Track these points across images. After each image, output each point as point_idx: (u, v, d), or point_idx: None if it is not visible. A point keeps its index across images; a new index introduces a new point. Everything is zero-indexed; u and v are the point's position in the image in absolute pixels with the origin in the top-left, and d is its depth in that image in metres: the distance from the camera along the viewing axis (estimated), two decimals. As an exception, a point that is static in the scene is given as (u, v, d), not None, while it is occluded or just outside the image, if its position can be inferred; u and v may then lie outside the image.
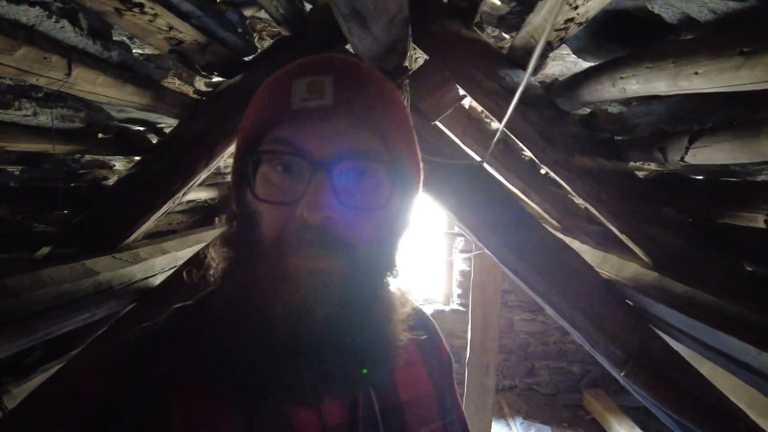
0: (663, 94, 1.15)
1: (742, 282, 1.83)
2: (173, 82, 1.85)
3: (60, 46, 1.16)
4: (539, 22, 1.39)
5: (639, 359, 1.82)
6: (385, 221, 0.59)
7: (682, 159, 1.35)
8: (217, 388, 0.56)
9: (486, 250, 1.87)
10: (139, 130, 1.94)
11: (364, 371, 0.58)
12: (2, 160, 1.50)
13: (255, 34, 1.85)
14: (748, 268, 1.84)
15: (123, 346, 0.59)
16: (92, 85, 1.28)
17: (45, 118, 1.30)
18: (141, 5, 1.16)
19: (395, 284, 0.63)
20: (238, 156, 0.63)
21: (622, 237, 1.96)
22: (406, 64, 1.94)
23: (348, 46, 1.85)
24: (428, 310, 4.83)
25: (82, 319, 1.65)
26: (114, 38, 1.39)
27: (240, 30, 1.68)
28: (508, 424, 5.21)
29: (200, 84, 1.88)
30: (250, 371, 0.54)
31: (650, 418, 5.36)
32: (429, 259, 5.18)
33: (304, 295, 0.53)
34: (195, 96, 1.91)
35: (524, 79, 1.43)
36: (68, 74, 1.17)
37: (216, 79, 1.94)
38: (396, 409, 0.66)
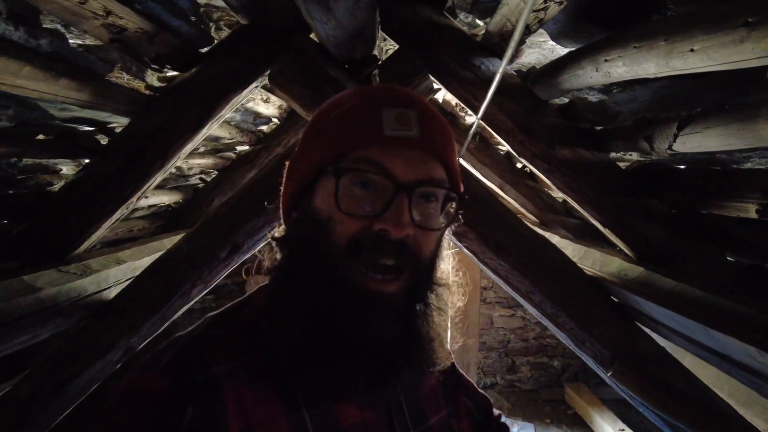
0: (652, 76, 1.06)
1: (730, 274, 1.77)
2: (122, 77, 1.69)
3: (-26, 33, 1.01)
4: (516, 2, 1.29)
5: (626, 358, 1.75)
6: (439, 240, 0.70)
7: (669, 147, 1.26)
8: (271, 388, 0.62)
9: (464, 250, 1.77)
10: (87, 131, 1.77)
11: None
12: None
13: (211, 24, 1.71)
14: (732, 259, 1.79)
15: (171, 350, 0.62)
16: (15, 77, 1.12)
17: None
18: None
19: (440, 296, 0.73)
20: (314, 164, 0.67)
21: (605, 231, 1.89)
22: (375, 53, 1.82)
23: (312, 35, 1.72)
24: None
25: (22, 341, 1.48)
26: (45, 26, 1.24)
27: (193, 18, 1.54)
28: (490, 423, 5.15)
29: (152, 79, 1.72)
30: (312, 373, 0.61)
31: (631, 410, 5.37)
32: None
33: (372, 315, 0.61)
34: (147, 92, 1.75)
35: (501, 66, 1.33)
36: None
37: (170, 73, 1.79)
38: (415, 400, 0.76)
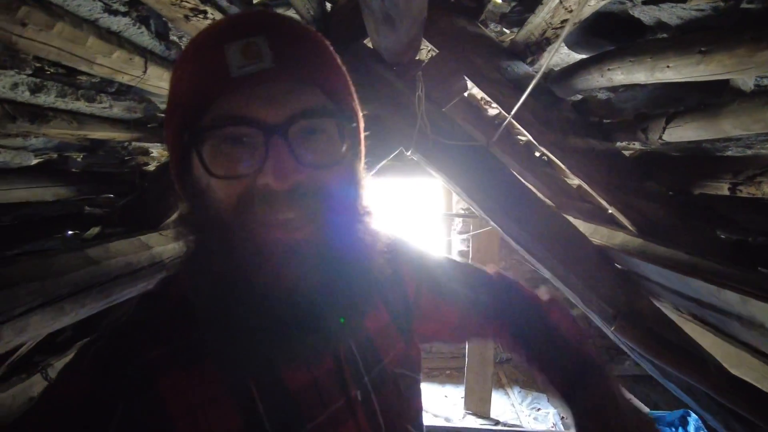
0: (642, 82, 1.39)
1: (719, 247, 2.09)
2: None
3: (138, 48, 1.37)
4: (538, 22, 1.62)
5: (626, 315, 2.08)
6: (345, 174, 0.60)
7: (660, 137, 1.59)
8: (207, 367, 0.56)
9: (491, 222, 2.11)
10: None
11: (342, 320, 0.59)
12: (71, 147, 1.70)
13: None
14: (721, 235, 2.10)
15: (97, 343, 0.58)
16: (160, 80, 1.49)
17: (117, 110, 1.51)
18: (204, 12, 1.38)
19: (367, 227, 0.63)
20: (175, 132, 0.58)
21: (611, 209, 2.21)
22: (418, 57, 2.16)
23: (366, 41, 2.06)
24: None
25: (142, 287, 1.87)
26: (170, 38, 1.60)
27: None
28: (506, 393, 5.53)
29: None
30: (243, 345, 0.54)
31: (637, 383, 5.70)
32: (428, 240, 5.44)
33: (285, 269, 0.54)
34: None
35: (538, 74, 1.67)
36: (145, 71, 1.39)
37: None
38: (367, 342, 0.71)
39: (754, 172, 1.47)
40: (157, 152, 2.41)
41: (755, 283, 1.31)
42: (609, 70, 1.50)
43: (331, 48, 0.63)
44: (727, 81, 1.36)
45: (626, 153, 2.14)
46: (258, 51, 0.53)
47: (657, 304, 2.14)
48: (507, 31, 2.13)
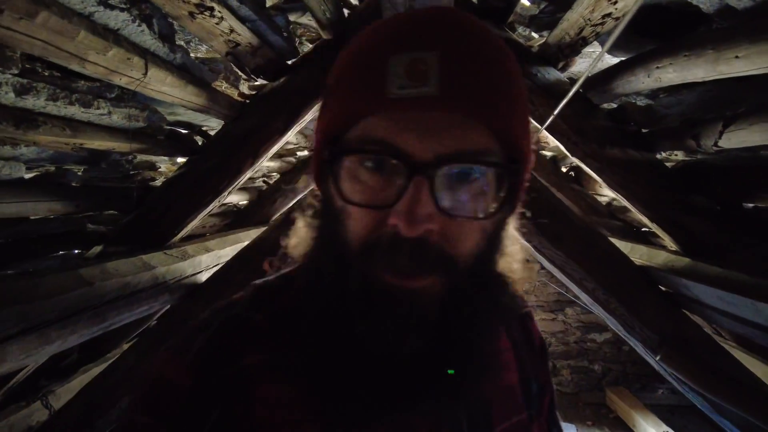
0: (700, 80, 1.23)
1: (771, 265, 1.88)
2: (220, 85, 1.94)
3: (138, 49, 1.26)
4: (575, 19, 1.47)
5: (673, 342, 1.88)
6: (490, 230, 0.51)
7: (715, 144, 1.41)
8: (299, 386, 0.52)
9: (522, 241, 1.94)
10: (186, 133, 2.03)
11: (451, 372, 0.51)
12: (69, 159, 1.59)
13: (295, 39, 1.95)
14: (777, 252, 1.90)
15: (204, 333, 0.55)
16: (162, 85, 1.37)
17: (117, 117, 1.39)
18: (211, 9, 1.26)
19: (502, 290, 0.57)
20: (320, 142, 0.54)
21: (653, 226, 2.02)
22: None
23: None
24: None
25: (141, 311, 1.73)
26: (178, 43, 1.49)
27: (286, 34, 1.78)
28: None
29: (245, 87, 1.97)
30: (336, 382, 0.50)
31: (674, 415, 5.36)
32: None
33: (399, 318, 0.47)
34: (239, 98, 2.00)
35: (582, 77, 1.51)
36: (145, 74, 1.27)
37: (258, 82, 2.04)
38: (479, 406, 0.61)
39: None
40: (165, 167, 2.29)
41: None
42: (658, 68, 1.34)
43: (519, 72, 0.52)
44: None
45: (668, 164, 1.96)
46: (424, 73, 0.44)
47: (708, 331, 1.94)
48: (535, 36, 1.99)
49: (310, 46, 2.04)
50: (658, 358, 1.91)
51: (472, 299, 0.51)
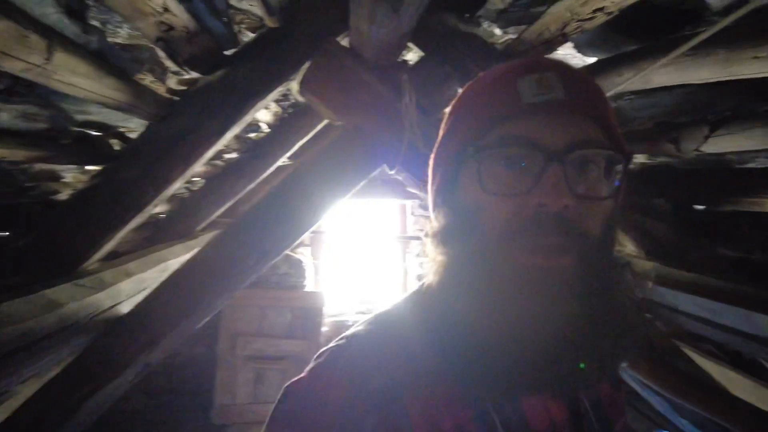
0: (702, 81, 1.16)
1: (722, 265, 1.93)
2: (144, 78, 1.61)
3: (38, 25, 0.94)
4: (560, 12, 1.36)
5: (640, 349, 1.86)
6: (609, 210, 0.59)
7: (697, 148, 1.38)
8: (452, 391, 0.57)
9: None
10: (99, 135, 1.67)
11: (582, 366, 0.57)
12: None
13: (234, 26, 1.67)
14: (728, 253, 1.95)
15: (347, 350, 0.60)
16: (71, 75, 1.05)
17: (8, 116, 1.05)
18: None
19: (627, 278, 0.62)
20: (451, 154, 0.63)
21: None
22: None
23: (343, 39, 1.72)
24: (386, 317, 4.73)
25: (48, 361, 1.37)
26: (91, 22, 1.17)
27: (225, 19, 1.50)
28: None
29: (172, 81, 1.66)
30: (484, 365, 0.55)
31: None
32: (380, 264, 5.09)
33: (541, 295, 0.53)
34: (168, 95, 1.68)
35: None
36: (48, 59, 0.95)
37: (188, 76, 1.74)
38: (598, 406, 0.68)
39: (808, 187, 1.28)
40: (72, 177, 1.89)
41: None
42: (650, 68, 1.26)
43: (601, 88, 0.64)
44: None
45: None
46: (551, 83, 0.56)
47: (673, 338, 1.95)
48: (498, 32, 1.88)
49: (252, 35, 1.78)
50: (625, 365, 1.88)
51: (604, 272, 0.57)
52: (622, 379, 0.79)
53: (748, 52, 1.01)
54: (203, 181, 2.93)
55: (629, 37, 1.47)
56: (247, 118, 1.76)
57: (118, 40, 1.40)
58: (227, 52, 1.67)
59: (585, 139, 0.55)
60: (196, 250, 2.28)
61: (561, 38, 1.49)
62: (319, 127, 3.15)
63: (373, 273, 5.19)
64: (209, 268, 1.68)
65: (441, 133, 0.69)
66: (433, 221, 0.69)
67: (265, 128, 2.93)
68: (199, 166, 1.79)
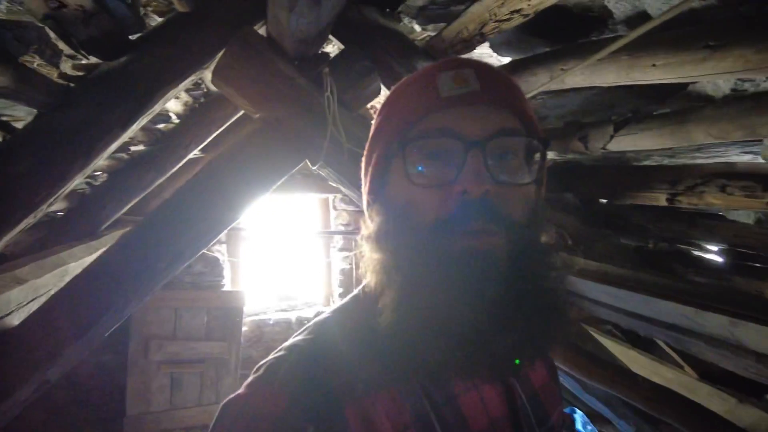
0: (611, 84, 1.24)
1: (624, 254, 2.10)
2: (32, 61, 1.44)
3: None
4: (480, 12, 1.39)
5: (569, 332, 1.98)
6: (532, 196, 0.62)
7: (604, 146, 1.47)
8: (391, 395, 0.58)
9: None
10: (-24, 125, 1.47)
11: (516, 362, 0.60)
12: None
13: (141, 10, 1.54)
14: (629, 243, 2.13)
15: (286, 362, 0.60)
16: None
17: None
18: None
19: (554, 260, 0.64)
20: (384, 145, 0.65)
21: (527, 223, 2.11)
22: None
23: (260, 27, 1.65)
24: (309, 312, 4.66)
25: None
26: (-37, -5, 1.01)
27: (129, 1, 1.38)
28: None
29: (67, 66, 1.50)
30: (426, 362, 0.56)
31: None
32: (302, 260, 5.00)
33: (474, 276, 0.55)
34: (61, 81, 1.51)
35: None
36: None
37: (86, 61, 1.58)
38: (534, 397, 0.70)
39: (694, 182, 1.42)
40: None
41: (694, 293, 1.23)
42: (563, 70, 1.33)
43: (516, 82, 0.67)
44: (685, 85, 1.27)
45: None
46: (466, 78, 0.60)
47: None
48: (418, 29, 1.89)
49: (158, 18, 1.65)
50: (540, 350, 1.99)
51: (532, 253, 0.60)
52: (555, 366, 0.82)
53: (647, 59, 1.08)
54: (106, 175, 2.70)
55: (542, 39, 1.53)
56: (155, 109, 1.64)
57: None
58: (132, 37, 1.54)
59: (502, 128, 0.58)
60: (99, 251, 2.10)
61: (479, 38, 1.52)
62: (235, 118, 3.02)
63: (295, 269, 5.09)
64: (117, 271, 1.55)
65: (370, 134, 0.70)
66: (368, 222, 0.69)
67: (174, 119, 2.76)
68: (101, 161, 1.63)
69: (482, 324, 0.55)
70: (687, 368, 2.36)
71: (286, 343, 0.63)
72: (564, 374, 2.15)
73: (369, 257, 0.65)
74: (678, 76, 1.06)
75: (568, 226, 2.01)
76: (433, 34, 1.80)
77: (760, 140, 1.20)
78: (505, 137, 0.59)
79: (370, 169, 0.68)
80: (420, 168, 0.59)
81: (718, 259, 2.03)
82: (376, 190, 0.68)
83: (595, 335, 2.19)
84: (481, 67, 0.62)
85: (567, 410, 3.65)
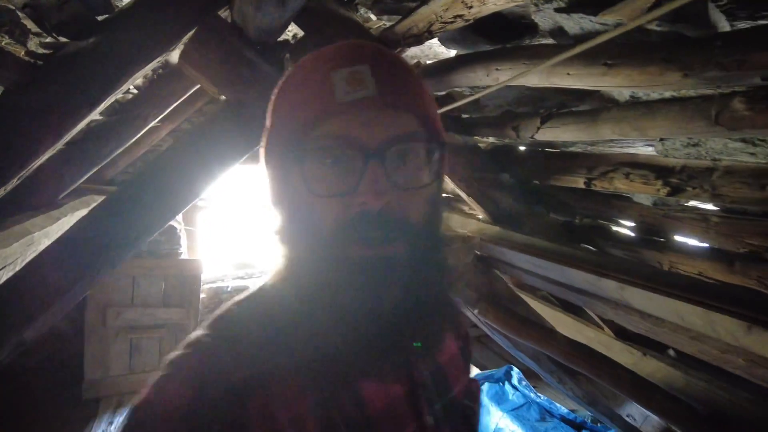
0: (533, 86, 1.45)
1: (554, 229, 2.37)
2: (0, 40, 1.49)
3: None
4: (427, 13, 1.56)
5: (487, 297, 2.24)
6: (432, 194, 0.64)
7: (532, 136, 1.69)
8: (291, 386, 0.58)
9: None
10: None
11: (418, 345, 0.64)
12: None
13: (107, -10, 1.60)
14: (558, 218, 2.40)
15: (185, 364, 0.59)
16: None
17: None
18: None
19: (448, 254, 0.68)
20: (281, 151, 0.62)
21: (468, 200, 2.34)
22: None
23: (222, 12, 1.74)
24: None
25: None
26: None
27: (98, -15, 1.45)
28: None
29: (33, 44, 1.55)
30: (324, 355, 0.57)
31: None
32: (258, 228, 5.10)
33: (373, 283, 0.57)
34: (27, 59, 1.57)
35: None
36: None
37: (51, 39, 1.63)
38: (439, 371, 0.73)
39: (606, 169, 1.67)
40: None
41: (626, 271, 1.49)
42: (497, 69, 1.52)
43: (417, 75, 0.65)
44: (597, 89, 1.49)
45: (481, 146, 2.27)
46: (362, 79, 0.57)
47: (510, 285, 2.35)
48: (373, 18, 2.03)
49: (127, 1, 1.71)
50: (476, 311, 2.26)
51: (431, 257, 0.63)
52: (468, 336, 0.87)
53: (564, 69, 1.29)
54: (64, 146, 2.70)
55: (484, 38, 1.71)
56: (123, 88, 1.71)
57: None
58: (100, 18, 1.60)
59: (401, 134, 0.58)
60: (61, 220, 2.17)
61: (427, 35, 1.69)
62: (193, 90, 3.06)
63: (251, 237, 5.19)
64: (89, 241, 1.65)
65: (267, 124, 0.68)
66: (273, 216, 0.69)
67: (133, 90, 2.78)
68: (69, 137, 1.71)
69: (381, 331, 0.58)
70: (606, 329, 2.71)
71: (188, 339, 0.63)
72: (498, 333, 2.44)
73: (275, 250, 0.66)
74: (586, 84, 1.28)
75: (504, 204, 2.25)
76: (388, 24, 1.94)
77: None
78: (405, 143, 0.59)
79: (270, 167, 0.67)
80: (319, 177, 0.58)
81: (631, 234, 2.33)
82: (279, 190, 0.66)
83: (528, 300, 2.48)
84: (378, 61, 0.60)
85: (504, 368, 4.02)
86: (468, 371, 0.84)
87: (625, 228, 2.35)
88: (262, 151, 0.68)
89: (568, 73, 1.29)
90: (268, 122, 0.67)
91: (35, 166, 1.67)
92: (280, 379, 0.58)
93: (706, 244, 1.76)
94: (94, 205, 1.71)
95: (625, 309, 1.59)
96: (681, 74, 1.03)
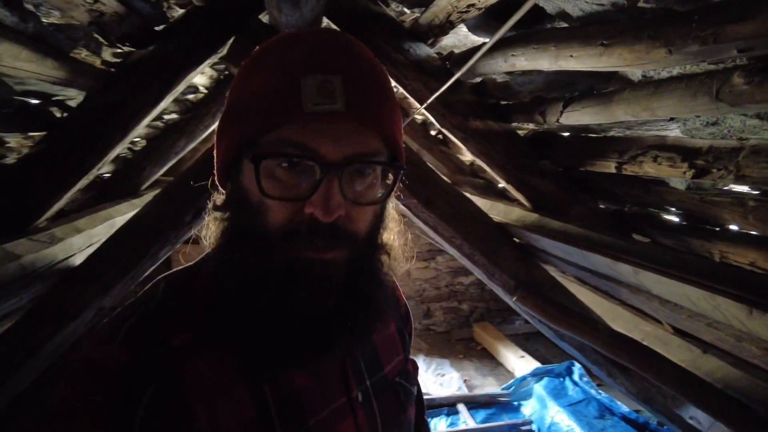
0: (546, 69, 1.45)
1: (602, 218, 2.29)
2: (80, 53, 1.77)
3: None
4: (444, 5, 1.61)
5: (526, 285, 2.23)
6: (379, 211, 0.67)
7: (557, 120, 1.68)
8: (225, 354, 0.61)
9: (399, 204, 2.11)
10: (39, 104, 1.83)
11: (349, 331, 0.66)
12: None
13: (164, 3, 1.83)
14: (601, 206, 2.32)
15: (128, 321, 0.60)
16: (15, 60, 1.24)
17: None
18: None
19: (385, 258, 0.71)
20: (235, 140, 0.61)
21: (508, 187, 2.33)
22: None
23: (263, 16, 1.91)
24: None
25: (11, 304, 1.60)
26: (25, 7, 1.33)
27: (154, 0, 1.67)
28: (410, 363, 5.78)
29: (107, 54, 1.82)
30: (265, 346, 0.60)
31: (528, 341, 6.29)
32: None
33: (318, 282, 0.60)
34: (102, 67, 1.85)
35: (465, 67, 1.65)
36: (-7, 50, 1.14)
37: (122, 50, 1.90)
38: (372, 352, 0.79)
39: (636, 153, 1.62)
40: (15, 142, 2.05)
41: (644, 256, 1.45)
42: (513, 56, 1.54)
43: (393, 89, 0.66)
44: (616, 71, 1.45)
45: (521, 133, 2.25)
46: (332, 91, 0.56)
47: (552, 273, 2.32)
48: (407, 11, 2.10)
49: (180, 10, 1.94)
50: (514, 299, 2.25)
51: (367, 263, 0.65)
52: (409, 316, 0.95)
53: (567, 51, 1.29)
54: (145, 142, 3.08)
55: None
56: (179, 88, 1.95)
57: (53, 20, 1.56)
58: (157, 28, 1.84)
59: (362, 152, 0.58)
60: (140, 208, 2.49)
61: (449, 25, 1.74)
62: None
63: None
64: (151, 224, 1.91)
65: (225, 108, 0.66)
66: (219, 193, 0.70)
67: (203, 90, 3.09)
68: (137, 132, 1.98)
69: (315, 326, 0.61)
70: (665, 324, 2.57)
71: (130, 301, 0.65)
72: (540, 323, 2.41)
73: (216, 234, 0.67)
74: (586, 66, 1.26)
75: (545, 191, 2.22)
76: (418, 15, 2.01)
77: (673, 118, 1.39)
78: (364, 162, 0.59)
79: (223, 148, 0.65)
80: (272, 179, 0.58)
81: (678, 222, 2.19)
82: (230, 174, 0.65)
83: (570, 286, 2.42)
84: (353, 73, 0.58)
85: (566, 363, 3.91)
86: (404, 351, 0.88)
87: (673, 216, 2.23)
88: (217, 125, 0.67)
89: (571, 56, 1.28)
90: (228, 99, 0.65)
91: (112, 157, 1.96)
92: (216, 346, 0.61)
93: (754, 232, 1.63)
94: (157, 191, 1.97)
95: (645, 294, 1.54)
96: (665, 50, 1.00)
